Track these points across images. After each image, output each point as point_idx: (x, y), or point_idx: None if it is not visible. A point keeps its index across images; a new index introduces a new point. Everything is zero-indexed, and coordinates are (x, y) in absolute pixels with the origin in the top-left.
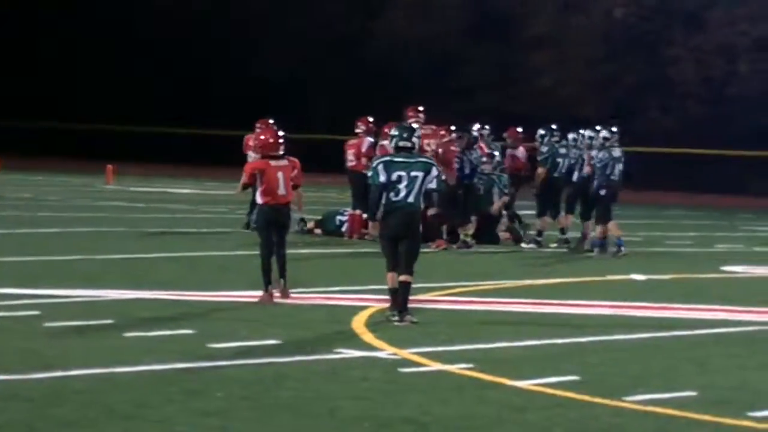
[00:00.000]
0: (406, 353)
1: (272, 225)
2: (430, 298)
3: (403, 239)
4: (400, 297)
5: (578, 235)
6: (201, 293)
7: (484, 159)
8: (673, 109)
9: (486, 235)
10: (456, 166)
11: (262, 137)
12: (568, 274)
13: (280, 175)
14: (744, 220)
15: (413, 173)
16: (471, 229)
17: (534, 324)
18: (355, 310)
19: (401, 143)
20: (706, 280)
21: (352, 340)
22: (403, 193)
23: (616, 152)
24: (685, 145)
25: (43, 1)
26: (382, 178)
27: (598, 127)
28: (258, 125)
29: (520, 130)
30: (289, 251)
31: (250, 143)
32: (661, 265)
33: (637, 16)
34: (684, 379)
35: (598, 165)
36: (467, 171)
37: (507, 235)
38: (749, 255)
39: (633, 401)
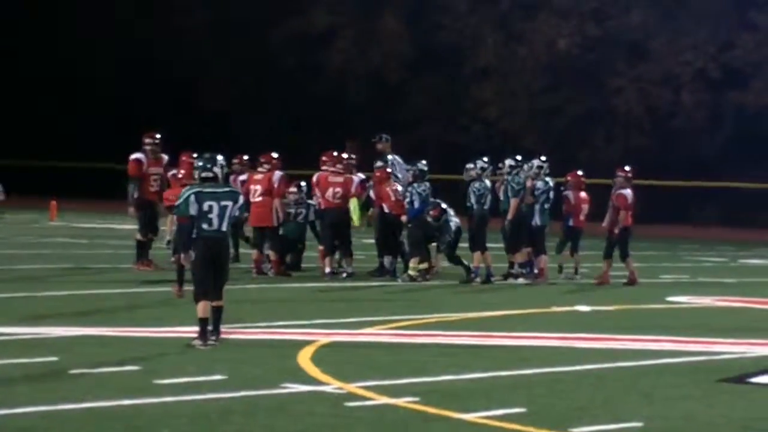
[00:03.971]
0: (352, 387)
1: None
2: (375, 331)
3: (215, 266)
4: (213, 321)
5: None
6: (146, 329)
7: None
8: (617, 140)
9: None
10: (406, 199)
11: (183, 172)
12: (514, 306)
13: None
14: (688, 250)
15: (223, 203)
16: (422, 263)
17: (480, 356)
18: (301, 344)
19: (204, 174)
20: (651, 311)
21: (298, 374)
22: (215, 223)
23: (488, 182)
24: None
25: None
26: (193, 209)
27: (485, 158)
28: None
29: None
30: (233, 287)
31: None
32: (606, 296)
33: (580, 47)
34: (630, 410)
35: (476, 194)
36: (417, 205)
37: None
38: (694, 285)
39: None
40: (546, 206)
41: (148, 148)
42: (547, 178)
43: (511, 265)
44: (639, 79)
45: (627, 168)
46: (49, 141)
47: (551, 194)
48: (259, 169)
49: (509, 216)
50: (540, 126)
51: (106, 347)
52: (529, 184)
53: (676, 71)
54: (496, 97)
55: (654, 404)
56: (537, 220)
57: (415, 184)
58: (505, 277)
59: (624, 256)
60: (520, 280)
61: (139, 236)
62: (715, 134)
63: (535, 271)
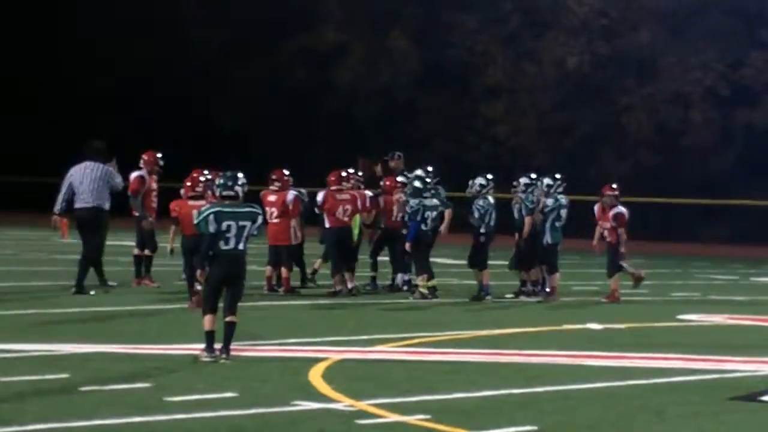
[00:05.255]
0: (363, 404)
1: (194, 251)
2: (386, 349)
3: (229, 284)
4: (224, 337)
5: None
6: (157, 346)
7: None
8: (627, 158)
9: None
10: (406, 217)
11: (189, 184)
12: (524, 324)
13: (195, 212)
14: (699, 267)
15: (241, 222)
16: (431, 280)
17: (491, 374)
18: (312, 361)
19: (225, 192)
20: (662, 329)
21: (309, 391)
22: (232, 242)
23: (491, 199)
24: (638, 194)
25: None
26: (212, 228)
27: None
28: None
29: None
30: (244, 304)
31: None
32: (617, 313)
33: (589, 65)
34: (640, 428)
35: (479, 212)
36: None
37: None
38: (705, 303)
39: None
40: (557, 224)
41: (155, 167)
42: (560, 196)
43: (524, 282)
44: (648, 98)
45: (614, 186)
46: (60, 159)
47: (562, 211)
48: (271, 187)
49: (524, 234)
50: (549, 144)
51: (116, 364)
52: (540, 201)
53: (686, 89)
54: (506, 116)
55: (665, 422)
56: (548, 238)
57: (409, 200)
58: (517, 294)
59: (613, 272)
60: (533, 298)
61: (147, 251)
62: (724, 152)
63: (547, 289)
